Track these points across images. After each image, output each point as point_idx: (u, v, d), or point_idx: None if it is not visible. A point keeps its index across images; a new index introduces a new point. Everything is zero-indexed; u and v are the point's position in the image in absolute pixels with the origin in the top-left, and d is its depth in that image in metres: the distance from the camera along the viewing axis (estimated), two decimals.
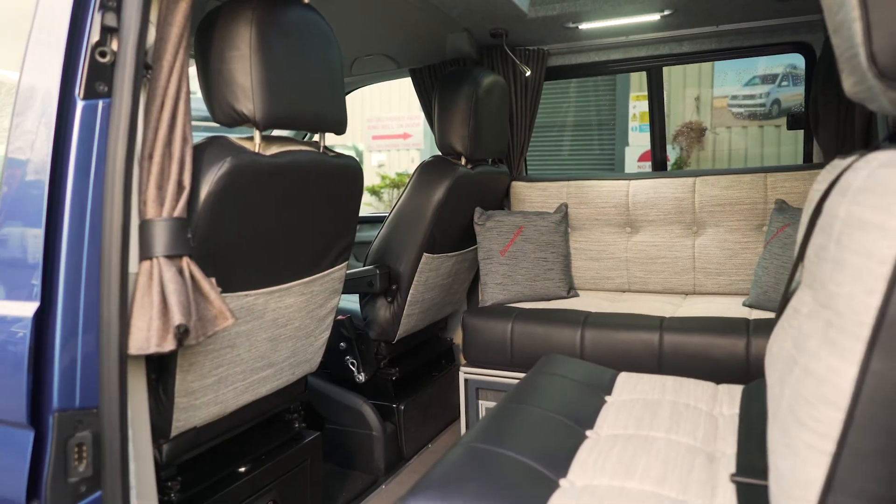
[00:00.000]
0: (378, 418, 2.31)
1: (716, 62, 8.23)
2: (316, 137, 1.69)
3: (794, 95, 7.93)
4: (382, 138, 10.13)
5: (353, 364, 2.33)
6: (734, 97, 8.20)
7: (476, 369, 2.32)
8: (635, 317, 2.16)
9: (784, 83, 8.05)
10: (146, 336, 1.19)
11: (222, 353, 1.52)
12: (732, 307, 2.23)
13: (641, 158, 8.05)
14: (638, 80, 8.29)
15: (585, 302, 2.44)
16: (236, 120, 1.41)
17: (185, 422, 1.49)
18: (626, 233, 2.66)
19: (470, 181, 2.42)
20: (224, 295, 1.46)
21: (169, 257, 1.22)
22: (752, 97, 8.18)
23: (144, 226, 1.23)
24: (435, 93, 2.43)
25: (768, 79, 8.06)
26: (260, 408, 1.78)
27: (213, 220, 1.34)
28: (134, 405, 1.25)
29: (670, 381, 1.53)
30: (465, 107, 2.35)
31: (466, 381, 2.33)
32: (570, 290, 2.60)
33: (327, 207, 1.71)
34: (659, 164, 2.83)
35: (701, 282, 2.51)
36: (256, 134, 1.45)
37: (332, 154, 1.70)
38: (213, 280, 1.31)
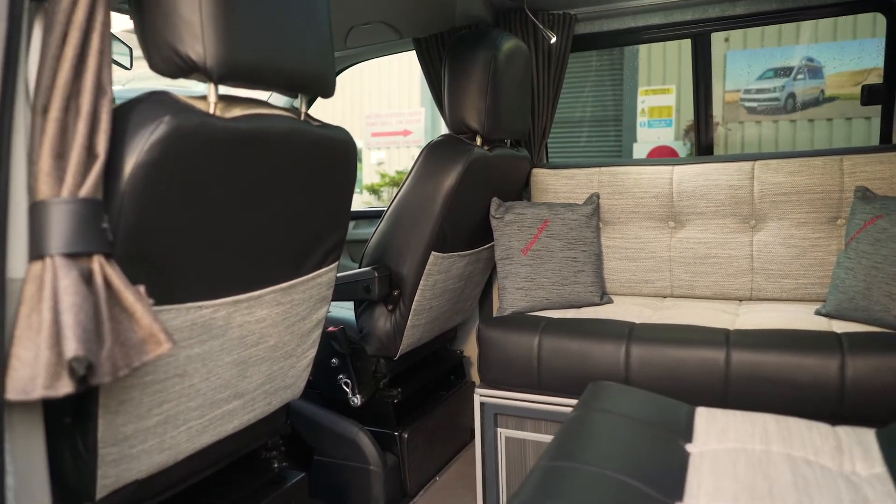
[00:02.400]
0: (377, 449, 1.96)
1: (728, 52, 7.92)
2: (297, 103, 1.31)
3: (810, 89, 7.56)
4: (382, 135, 9.80)
5: (346, 384, 1.96)
6: (747, 91, 7.84)
7: (494, 391, 1.94)
8: (692, 329, 1.76)
9: (800, 76, 7.69)
10: (31, 373, 0.80)
11: (168, 385, 1.13)
12: (805, 316, 1.84)
13: (650, 155, 7.70)
14: (647, 73, 7.95)
15: (624, 310, 2.05)
16: (180, 67, 1.03)
17: (118, 477, 1.11)
18: (670, 228, 2.27)
19: (487, 165, 2.03)
20: (166, 308, 1.07)
21: (71, 256, 0.84)
22: (765, 91, 7.83)
23: (35, 210, 0.85)
24: (445, 59, 2.04)
25: (783, 72, 7.70)
26: (226, 448, 1.41)
27: (144, 203, 0.96)
28: (22, 470, 0.86)
29: (772, 423, 1.14)
30: (481, 75, 1.95)
31: (483, 405, 1.95)
32: (604, 296, 2.21)
33: (311, 192, 1.33)
34: (705, 147, 2.43)
35: (760, 285, 2.12)
36: (211, 89, 1.07)
37: (316, 123, 1.31)
38: (143, 288, 0.92)
